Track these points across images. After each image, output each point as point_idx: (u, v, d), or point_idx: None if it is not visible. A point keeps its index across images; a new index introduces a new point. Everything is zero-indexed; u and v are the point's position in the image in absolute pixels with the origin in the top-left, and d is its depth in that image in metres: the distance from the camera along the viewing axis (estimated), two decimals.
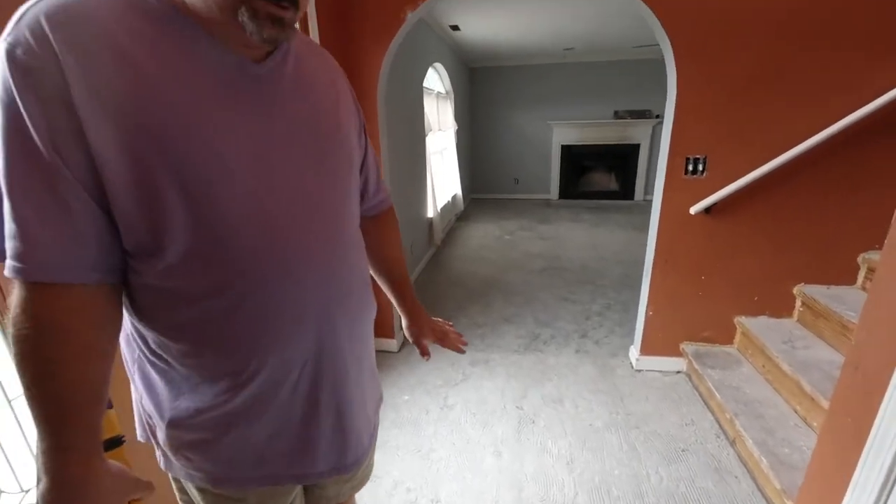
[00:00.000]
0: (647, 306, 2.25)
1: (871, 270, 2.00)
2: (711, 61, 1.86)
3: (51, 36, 0.44)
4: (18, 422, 0.93)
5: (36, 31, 0.44)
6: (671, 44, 1.86)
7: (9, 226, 0.47)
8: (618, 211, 6.27)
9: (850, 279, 2.07)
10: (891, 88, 1.74)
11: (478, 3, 3.67)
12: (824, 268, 2.07)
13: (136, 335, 0.60)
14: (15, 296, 0.48)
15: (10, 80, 0.44)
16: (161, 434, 0.63)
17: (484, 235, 5.12)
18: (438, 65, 4.76)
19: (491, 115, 6.94)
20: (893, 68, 1.75)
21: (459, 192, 5.81)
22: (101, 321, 0.53)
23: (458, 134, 5.82)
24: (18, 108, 0.44)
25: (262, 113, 0.56)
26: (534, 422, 1.98)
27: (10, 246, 0.47)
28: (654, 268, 2.19)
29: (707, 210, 2.02)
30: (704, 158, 1.98)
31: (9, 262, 0.48)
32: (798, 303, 2.14)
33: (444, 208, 5.05)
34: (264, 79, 0.57)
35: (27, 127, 0.45)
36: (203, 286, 0.55)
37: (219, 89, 0.53)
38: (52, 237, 0.47)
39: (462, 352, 1.00)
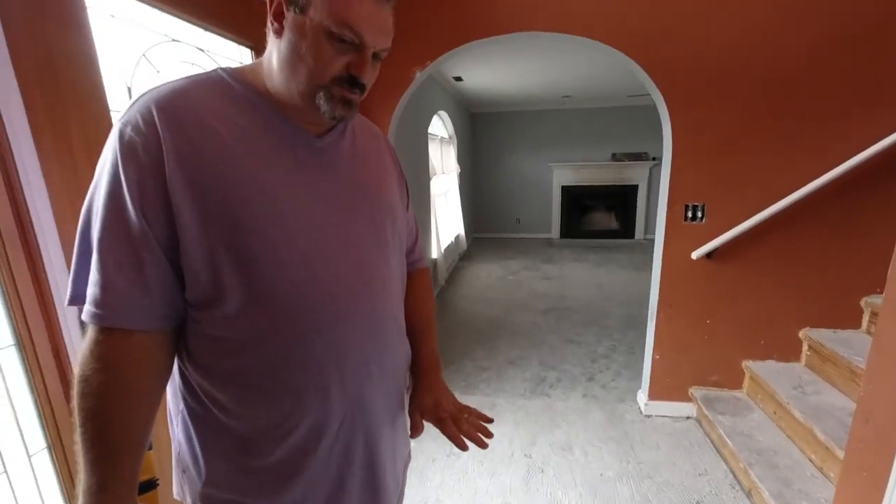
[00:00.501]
0: (654, 350, 2.25)
1: (874, 314, 2.01)
2: (703, 113, 1.96)
3: (157, 119, 0.53)
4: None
5: (145, 114, 0.54)
6: (664, 98, 1.97)
7: (93, 275, 0.53)
8: (619, 250, 6.32)
9: (854, 323, 2.08)
10: (884, 137, 1.81)
11: (479, 57, 3.89)
12: (829, 311, 2.08)
13: (183, 386, 0.63)
14: (86, 340, 0.54)
15: (118, 154, 0.53)
16: (196, 490, 0.64)
17: (488, 275, 5.15)
18: (442, 112, 4.97)
19: (492, 158, 7.16)
20: (887, 117, 1.83)
21: (462, 232, 5.90)
22: (156, 366, 0.58)
23: (461, 176, 5.98)
24: (120, 176, 0.52)
25: (322, 181, 0.63)
26: (543, 471, 1.93)
27: (90, 292, 0.53)
28: (658, 311, 2.20)
29: (709, 255, 2.07)
30: (703, 206, 2.05)
31: (87, 308, 0.54)
32: (805, 347, 2.14)
33: (448, 248, 5.11)
34: (325, 151, 0.65)
35: (124, 193, 0.52)
36: (256, 335, 0.59)
37: (287, 159, 0.60)
38: (127, 286, 0.53)
39: (482, 446, 0.73)
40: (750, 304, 2.13)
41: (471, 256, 6.13)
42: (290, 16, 0.55)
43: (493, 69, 4.41)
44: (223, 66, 0.65)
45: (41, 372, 0.85)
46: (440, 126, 5.32)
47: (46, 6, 0.79)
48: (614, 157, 6.73)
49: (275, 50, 0.59)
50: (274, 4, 0.57)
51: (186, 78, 0.59)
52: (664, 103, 1.98)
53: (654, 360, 2.27)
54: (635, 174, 6.73)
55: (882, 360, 0.94)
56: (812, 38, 1.82)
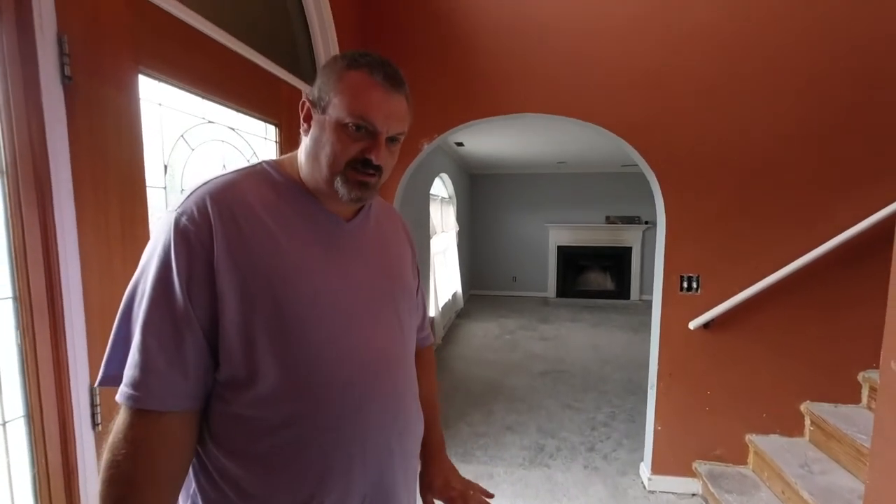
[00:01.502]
0: (655, 421, 2.21)
1: (873, 389, 2.01)
2: (695, 193, 2.08)
3: (210, 209, 0.58)
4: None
5: (200, 205, 0.59)
6: (657, 177, 2.10)
7: (133, 356, 0.55)
8: (615, 311, 6.34)
9: (854, 397, 2.07)
10: (870, 214, 1.92)
11: (480, 127, 4.12)
12: (827, 384, 2.08)
13: (198, 466, 0.63)
14: (118, 422, 0.55)
15: (171, 241, 0.56)
16: None
17: (484, 335, 5.11)
18: (444, 174, 5.19)
19: (490, 217, 7.36)
20: (872, 195, 1.94)
21: (460, 289, 5.93)
22: (185, 448, 0.58)
23: (459, 234, 6.12)
24: (171, 262, 0.56)
25: (351, 264, 0.68)
26: None
27: (129, 374, 0.55)
28: (658, 381, 2.19)
29: (706, 325, 2.10)
30: (698, 277, 2.11)
31: (123, 389, 0.55)
32: (808, 421, 2.11)
33: (445, 306, 5.11)
34: (353, 234, 0.70)
35: (173, 277, 0.56)
36: (284, 416, 0.60)
37: (322, 244, 0.66)
38: (167, 367, 0.55)
39: None
40: (748, 375, 2.13)
41: (467, 314, 6.10)
42: (315, 116, 0.65)
43: (492, 137, 4.68)
44: (266, 159, 0.72)
45: (45, 447, 0.84)
46: (441, 186, 5.52)
47: (108, 100, 0.87)
48: (608, 220, 6.95)
49: (304, 145, 0.67)
50: (304, 110, 0.66)
51: (235, 171, 0.66)
52: (657, 182, 2.10)
53: (655, 430, 2.22)
54: (629, 237, 6.91)
55: (886, 448, 0.94)
56: (797, 124, 1.97)
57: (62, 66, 0.78)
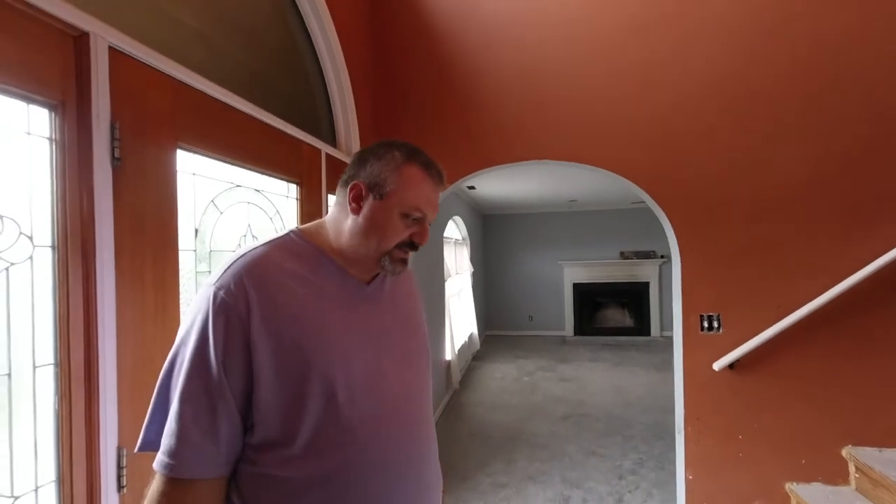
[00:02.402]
0: (686, 470, 2.11)
1: None
2: (708, 233, 2.08)
3: (245, 282, 0.63)
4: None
5: (237, 279, 0.63)
6: (669, 220, 2.11)
7: (170, 425, 0.59)
8: (636, 348, 6.17)
9: None
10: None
11: (491, 171, 4.25)
12: (866, 428, 1.97)
13: None
14: (153, 489, 0.57)
15: (210, 314, 0.61)
16: None
17: (502, 377, 5.00)
18: (457, 217, 5.29)
19: (504, 257, 7.38)
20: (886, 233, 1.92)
21: (476, 330, 5.87)
22: None
23: (474, 275, 6.13)
24: (209, 334, 0.60)
25: (368, 319, 0.73)
26: None
27: (166, 443, 0.58)
28: (686, 426, 2.11)
29: (731, 366, 2.04)
30: (718, 316, 2.08)
31: (160, 458, 0.58)
32: (852, 468, 1.99)
33: (461, 349, 5.05)
34: (371, 296, 0.76)
35: (209, 349, 0.60)
36: (314, 476, 0.62)
37: (346, 307, 0.71)
38: (201, 438, 0.58)
39: None
40: (782, 418, 2.03)
41: (484, 356, 6.00)
42: (369, 200, 0.71)
43: (503, 180, 4.79)
44: (293, 227, 0.78)
45: None
46: (454, 229, 5.61)
47: (150, 176, 0.95)
48: (623, 256, 6.90)
49: (349, 222, 0.73)
50: (354, 191, 0.72)
51: (266, 243, 0.71)
52: (669, 222, 2.12)
53: (687, 480, 2.11)
54: (645, 272, 6.82)
55: None
56: (809, 161, 1.99)
57: (113, 149, 0.87)
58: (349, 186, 0.72)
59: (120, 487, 0.91)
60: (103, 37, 0.85)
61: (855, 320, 1.98)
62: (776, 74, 2.01)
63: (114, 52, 0.88)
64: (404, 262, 0.74)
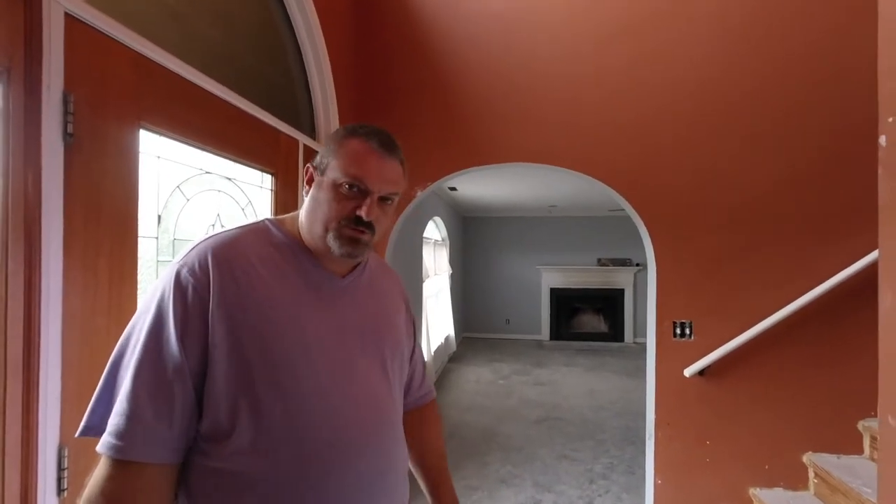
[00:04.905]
0: (655, 475, 2.13)
1: (874, 439, 1.97)
2: (684, 240, 2.11)
3: (210, 262, 0.61)
4: None
5: (202, 259, 0.61)
6: (644, 223, 2.14)
7: (120, 405, 0.54)
8: (610, 354, 6.26)
9: (856, 447, 2.02)
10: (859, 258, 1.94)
11: (473, 172, 4.24)
12: (827, 434, 2.04)
13: None
14: (96, 475, 0.52)
15: (171, 291, 0.58)
16: None
17: (477, 380, 4.99)
18: (437, 217, 5.26)
19: (483, 260, 7.40)
20: (856, 242, 1.98)
21: (452, 332, 5.84)
22: (163, 503, 0.56)
23: (452, 277, 6.11)
24: (168, 311, 0.57)
25: (339, 314, 0.70)
26: None
27: (113, 423, 0.53)
28: (656, 431, 2.13)
29: (701, 373, 2.07)
30: (690, 323, 2.11)
31: (106, 439, 0.53)
32: (811, 473, 2.05)
33: (438, 350, 5.02)
34: (346, 290, 0.73)
35: (168, 326, 0.56)
36: (263, 471, 0.58)
37: (313, 295, 0.68)
38: (154, 417, 0.54)
39: None
40: (746, 424, 2.08)
41: (460, 358, 5.99)
42: (316, 178, 0.69)
43: (485, 182, 4.79)
44: (269, 217, 0.75)
45: None
46: (434, 229, 5.58)
47: (108, 156, 0.88)
48: (600, 262, 7.01)
49: (304, 205, 0.71)
50: (307, 175, 0.71)
51: (239, 227, 0.69)
52: (646, 229, 2.14)
53: (656, 484, 2.13)
54: (621, 279, 6.95)
55: None
56: (778, 172, 2.04)
57: (65, 124, 0.80)
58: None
59: (60, 490, 0.84)
60: (58, 1, 0.79)
61: (817, 330, 2.04)
62: (752, 85, 2.06)
63: (70, 19, 0.81)
64: (353, 241, 0.66)
